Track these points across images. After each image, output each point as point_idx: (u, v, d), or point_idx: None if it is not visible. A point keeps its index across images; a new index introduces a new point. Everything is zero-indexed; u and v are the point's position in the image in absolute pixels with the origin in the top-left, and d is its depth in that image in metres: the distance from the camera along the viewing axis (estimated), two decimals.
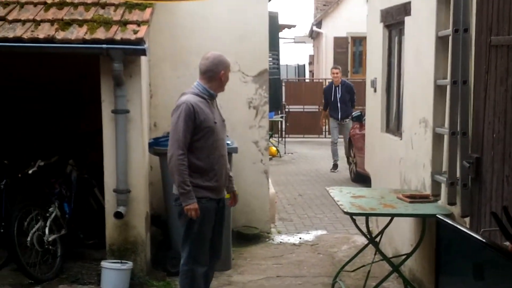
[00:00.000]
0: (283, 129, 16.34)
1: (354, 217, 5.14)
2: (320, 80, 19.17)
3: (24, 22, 5.53)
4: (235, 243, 6.72)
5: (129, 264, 5.62)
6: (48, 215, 5.99)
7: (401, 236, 5.89)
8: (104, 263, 5.58)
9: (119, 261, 5.62)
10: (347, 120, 12.16)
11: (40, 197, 6.13)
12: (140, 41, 5.35)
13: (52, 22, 5.54)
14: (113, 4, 5.86)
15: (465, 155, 4.33)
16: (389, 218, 5.38)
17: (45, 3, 5.84)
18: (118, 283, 5.52)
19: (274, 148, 13.99)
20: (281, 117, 15.86)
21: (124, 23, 5.56)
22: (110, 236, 5.75)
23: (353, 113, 11.77)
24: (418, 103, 5.49)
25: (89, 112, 6.33)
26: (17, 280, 5.74)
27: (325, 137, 16.08)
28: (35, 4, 5.83)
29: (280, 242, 7.30)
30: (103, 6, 5.85)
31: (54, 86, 7.28)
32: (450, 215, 4.49)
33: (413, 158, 5.60)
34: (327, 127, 14.25)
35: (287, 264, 6.48)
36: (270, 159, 10.51)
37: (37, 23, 5.53)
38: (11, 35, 5.30)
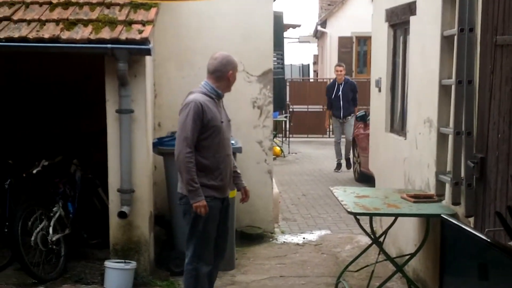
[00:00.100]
0: (287, 129, 16.33)
1: (358, 217, 5.14)
2: (325, 80, 19.14)
3: (29, 22, 5.54)
4: (239, 243, 6.72)
5: (132, 264, 5.62)
6: (52, 214, 6.00)
7: (405, 236, 5.88)
8: (107, 263, 5.59)
9: (123, 260, 5.62)
10: (349, 117, 12.14)
11: (44, 196, 6.14)
12: (145, 41, 5.36)
13: (57, 22, 5.55)
14: (118, 4, 5.87)
15: (470, 155, 4.32)
16: (393, 218, 5.37)
17: (50, 3, 5.85)
18: (122, 283, 5.52)
19: (278, 148, 13.98)
20: (285, 117, 15.85)
21: (129, 23, 5.56)
22: (114, 236, 5.76)
23: (357, 113, 11.76)
24: (422, 103, 5.48)
25: (94, 112, 6.34)
26: (21, 280, 5.75)
27: (329, 137, 16.05)
28: (41, 4, 5.84)
29: (284, 242, 7.30)
30: (108, 6, 5.86)
31: (59, 86, 7.30)
32: (454, 215, 4.48)
33: (418, 158, 5.59)
34: (331, 126, 14.23)
35: (291, 264, 6.48)
36: (274, 159, 10.50)
37: (42, 23, 5.54)
38: (16, 35, 5.32)
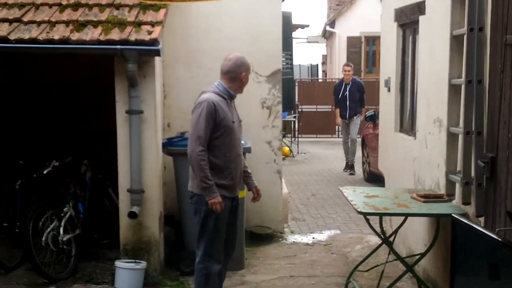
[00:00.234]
0: (296, 129, 16.33)
1: (367, 216, 5.13)
2: (333, 80, 19.11)
3: (39, 23, 5.57)
4: (248, 243, 6.73)
5: (143, 264, 5.64)
6: (62, 215, 6.03)
7: (415, 236, 5.86)
8: (118, 263, 5.61)
9: (133, 260, 5.64)
10: (354, 118, 12.10)
11: (54, 197, 6.18)
12: (154, 42, 5.37)
13: (67, 23, 5.58)
14: (127, 5, 5.89)
15: (480, 154, 4.30)
16: (403, 218, 5.36)
17: (60, 4, 5.88)
18: (132, 283, 5.54)
19: (287, 148, 13.98)
20: (294, 117, 15.85)
21: (138, 24, 5.58)
22: (124, 236, 5.78)
23: (365, 113, 11.73)
24: (432, 102, 5.47)
25: (104, 113, 6.36)
26: (32, 280, 5.78)
27: (338, 137, 16.06)
28: (50, 6, 5.87)
29: (293, 242, 7.30)
30: (118, 7, 5.88)
31: (69, 87, 7.33)
32: (464, 215, 4.46)
33: (427, 158, 5.58)
34: (340, 126, 14.17)
35: (300, 264, 6.48)
36: (283, 159, 10.51)
37: (52, 24, 5.57)
38: (26, 36, 5.34)
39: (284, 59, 9.11)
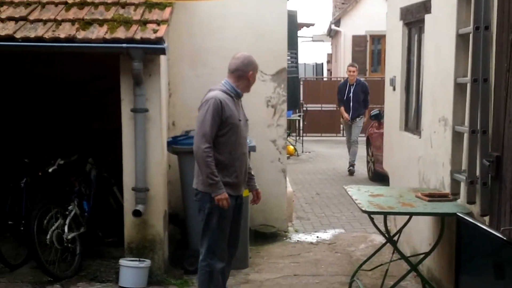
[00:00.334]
0: (301, 128, 16.32)
1: (372, 215, 5.12)
2: (338, 79, 19.10)
3: (45, 22, 5.59)
4: (253, 242, 6.73)
5: (147, 262, 5.65)
6: (67, 213, 6.05)
7: (419, 235, 5.85)
8: (122, 261, 5.62)
9: (137, 259, 5.65)
10: (357, 119, 11.98)
11: (59, 195, 6.19)
12: (159, 40, 5.38)
13: (73, 21, 5.59)
14: (133, 4, 5.90)
15: (485, 153, 4.29)
16: (408, 217, 5.36)
17: (66, 3, 5.89)
18: (136, 281, 5.55)
19: (291, 147, 13.98)
20: (299, 115, 15.84)
21: (144, 23, 5.59)
22: (129, 234, 5.79)
23: (371, 112, 11.69)
24: (437, 101, 5.46)
25: (109, 111, 6.37)
26: (37, 278, 5.80)
27: (343, 136, 16.01)
28: (56, 4, 5.89)
29: (298, 240, 7.30)
30: (123, 5, 5.89)
31: (74, 85, 7.35)
32: (469, 214, 4.45)
33: (432, 157, 5.57)
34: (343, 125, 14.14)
35: (304, 263, 6.48)
36: (288, 157, 10.51)
37: (58, 23, 5.58)
38: (32, 35, 5.36)
39: (289, 58, 9.10)
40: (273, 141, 7.24)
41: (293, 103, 11.68)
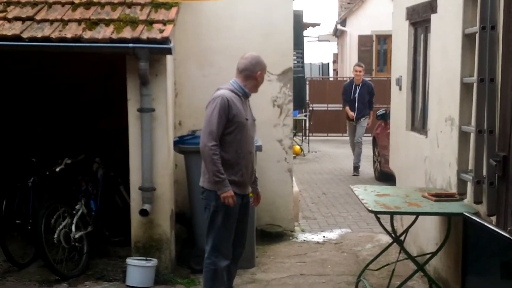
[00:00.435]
0: (307, 128, 16.31)
1: (378, 215, 5.12)
2: (344, 79, 19.09)
3: (52, 22, 5.60)
4: (259, 241, 6.74)
5: (154, 262, 5.67)
6: (74, 212, 6.07)
7: (426, 235, 5.85)
8: (129, 260, 5.64)
9: (144, 258, 5.67)
10: (362, 120, 11.88)
11: (67, 194, 6.21)
12: (166, 40, 5.39)
13: (79, 21, 5.61)
14: (139, 4, 5.92)
15: (492, 153, 4.29)
16: (414, 216, 5.35)
17: (72, 3, 5.92)
18: (143, 280, 5.57)
19: (298, 147, 13.97)
20: (305, 115, 15.83)
21: (150, 22, 5.60)
22: (135, 234, 5.81)
23: (377, 112, 11.64)
24: (444, 101, 5.45)
25: (115, 111, 6.40)
26: (44, 277, 5.82)
27: (347, 136, 16.02)
28: (63, 4, 5.91)
29: (304, 240, 7.30)
30: (130, 5, 5.91)
31: (81, 85, 7.37)
32: (476, 214, 4.45)
33: (439, 157, 5.56)
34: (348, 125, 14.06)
35: (311, 263, 6.48)
36: (294, 157, 10.51)
37: (64, 22, 5.60)
38: (39, 34, 5.38)
39: (295, 57, 9.11)
40: (279, 140, 7.24)
41: (299, 103, 11.67)
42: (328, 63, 27.18)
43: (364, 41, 22.10)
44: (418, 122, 6.62)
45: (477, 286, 3.44)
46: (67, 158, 6.16)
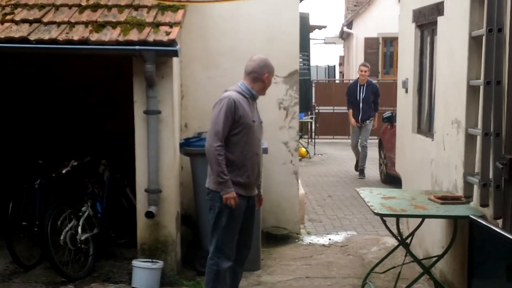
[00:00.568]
0: (313, 130, 16.30)
1: (384, 218, 5.12)
2: (351, 81, 19.06)
3: (59, 24, 5.63)
4: (265, 244, 6.74)
5: (159, 263, 5.67)
6: (81, 214, 6.09)
7: (432, 238, 5.84)
8: (135, 262, 5.65)
9: (150, 260, 5.68)
10: (367, 121, 11.70)
11: (73, 196, 6.23)
12: (172, 43, 5.40)
13: (86, 24, 5.63)
14: (146, 6, 5.93)
15: (499, 156, 4.28)
16: (420, 219, 5.33)
17: (79, 5, 5.94)
18: (149, 282, 5.57)
19: (303, 149, 13.96)
20: (311, 118, 15.82)
21: (156, 25, 5.62)
22: (141, 236, 5.82)
23: (383, 114, 11.56)
24: (450, 103, 5.44)
25: (122, 113, 6.41)
26: (50, 278, 5.84)
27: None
28: (70, 6, 5.93)
29: (310, 243, 7.30)
30: (136, 8, 5.92)
31: (87, 87, 7.40)
32: (482, 217, 4.43)
33: (445, 159, 5.55)
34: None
35: (317, 265, 6.47)
36: (300, 160, 10.51)
37: (71, 25, 5.62)
38: (46, 37, 5.40)
39: (301, 60, 9.12)
40: (285, 143, 7.24)
41: (305, 105, 11.67)
42: (334, 66, 27.18)
43: (370, 44, 22.08)
44: (425, 124, 6.61)
45: None
46: (73, 160, 6.17)
